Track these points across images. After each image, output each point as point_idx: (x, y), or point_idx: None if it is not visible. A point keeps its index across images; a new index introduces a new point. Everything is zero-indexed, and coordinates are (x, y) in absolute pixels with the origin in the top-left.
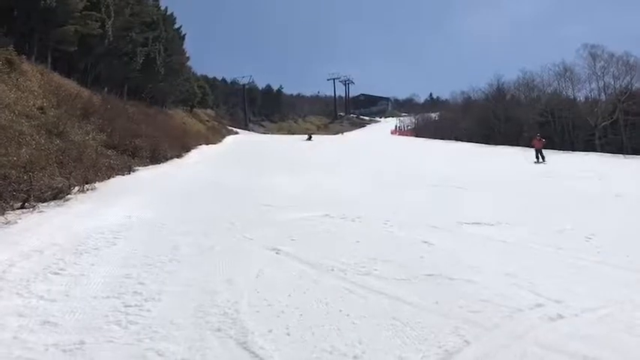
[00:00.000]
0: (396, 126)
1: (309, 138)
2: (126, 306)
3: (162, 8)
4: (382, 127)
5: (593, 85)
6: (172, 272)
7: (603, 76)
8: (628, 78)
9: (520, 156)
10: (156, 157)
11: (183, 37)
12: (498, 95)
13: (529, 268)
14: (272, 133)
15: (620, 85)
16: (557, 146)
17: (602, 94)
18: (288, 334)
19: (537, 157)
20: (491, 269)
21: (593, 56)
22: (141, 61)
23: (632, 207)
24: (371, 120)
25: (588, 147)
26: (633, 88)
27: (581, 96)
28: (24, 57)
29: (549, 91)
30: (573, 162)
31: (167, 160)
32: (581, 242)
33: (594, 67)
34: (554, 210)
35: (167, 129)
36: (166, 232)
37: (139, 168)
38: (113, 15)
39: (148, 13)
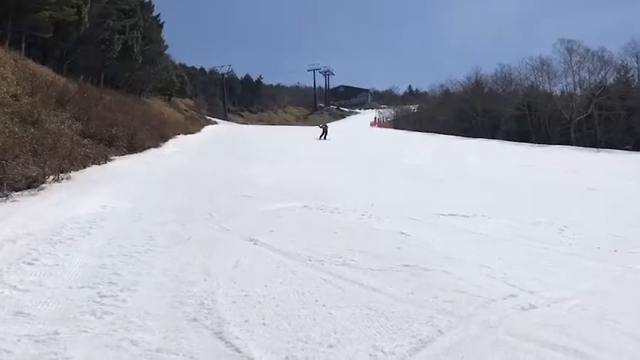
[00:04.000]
0: (375, 118)
1: (324, 133)
2: (101, 296)
3: None
4: (362, 119)
5: (569, 80)
6: (148, 262)
7: (579, 71)
8: (602, 73)
9: (497, 148)
10: (133, 147)
11: (161, 25)
12: (476, 88)
13: (503, 259)
14: (251, 124)
15: (595, 80)
16: (534, 140)
17: (578, 88)
18: (264, 324)
19: None
20: (467, 260)
21: (570, 51)
22: (118, 49)
23: (604, 200)
24: (351, 111)
25: (564, 140)
26: (607, 83)
27: (557, 90)
28: None
29: (526, 85)
30: (549, 155)
31: (145, 149)
32: (554, 234)
33: (570, 62)
34: (529, 202)
35: (145, 118)
36: (143, 222)
37: (116, 157)
38: (90, 1)
39: (126, 1)
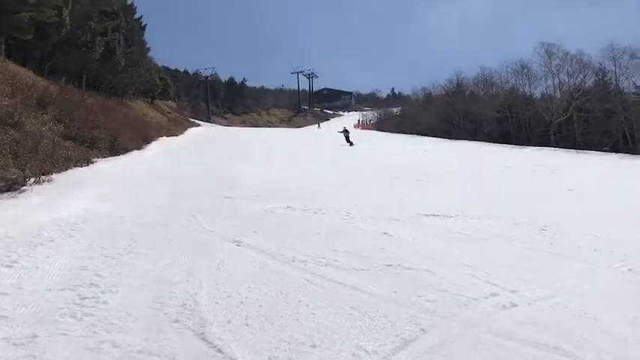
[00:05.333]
0: (358, 120)
1: (348, 139)
2: (82, 298)
3: None
4: (345, 121)
5: (549, 82)
6: (130, 264)
7: (558, 74)
8: (581, 76)
9: (478, 150)
10: (115, 149)
11: (143, 28)
12: (458, 91)
13: (485, 258)
14: (235, 126)
15: (574, 83)
16: (514, 141)
17: (558, 91)
18: (247, 325)
19: None
20: (449, 260)
21: (549, 54)
22: (100, 51)
23: (582, 200)
24: (334, 114)
25: (543, 142)
26: (586, 85)
27: (537, 93)
28: None
29: (507, 88)
30: (529, 156)
31: (127, 151)
32: (535, 234)
33: (550, 65)
34: (510, 203)
35: (127, 120)
36: (125, 224)
37: (98, 160)
38: (71, 3)
39: (108, 2)
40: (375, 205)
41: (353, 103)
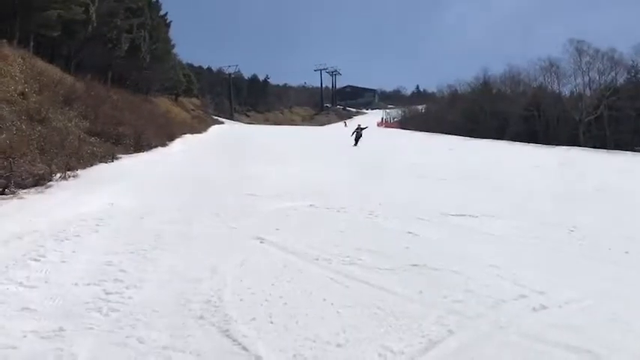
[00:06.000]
0: (382, 118)
1: (357, 138)
2: (107, 293)
3: None
4: (369, 119)
5: (579, 80)
6: (154, 260)
7: (588, 72)
8: (613, 73)
9: (505, 148)
10: (140, 145)
11: (168, 25)
12: (484, 89)
13: (512, 259)
14: (258, 124)
15: (605, 81)
16: (542, 141)
17: (587, 89)
18: (272, 322)
19: None
20: (475, 260)
21: (579, 51)
22: (125, 47)
23: (613, 201)
24: (357, 112)
25: (572, 141)
26: (618, 83)
27: (566, 91)
28: (5, 41)
29: (535, 86)
30: (557, 156)
31: (151, 148)
32: (563, 235)
33: (580, 62)
34: (537, 203)
35: (151, 117)
36: (149, 220)
37: (123, 156)
38: (97, 0)
39: (133, 0)
40: (399, 204)
41: (376, 100)
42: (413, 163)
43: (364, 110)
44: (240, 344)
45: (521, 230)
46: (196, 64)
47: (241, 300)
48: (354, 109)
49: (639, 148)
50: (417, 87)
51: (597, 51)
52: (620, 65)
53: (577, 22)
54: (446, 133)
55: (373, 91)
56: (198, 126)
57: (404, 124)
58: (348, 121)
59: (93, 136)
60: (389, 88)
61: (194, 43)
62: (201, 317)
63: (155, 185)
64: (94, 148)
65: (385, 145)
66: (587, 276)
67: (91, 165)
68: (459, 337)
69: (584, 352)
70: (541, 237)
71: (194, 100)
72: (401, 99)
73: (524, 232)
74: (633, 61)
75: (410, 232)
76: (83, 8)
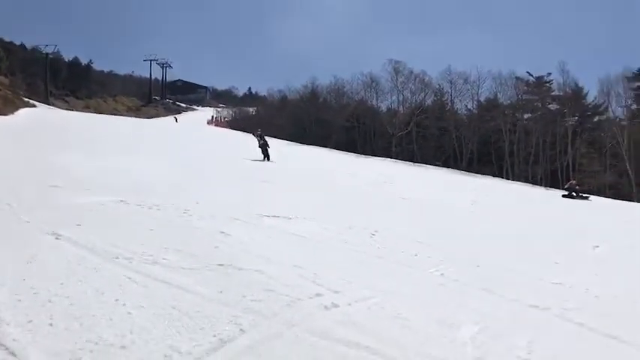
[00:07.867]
0: (212, 117)
1: (265, 152)
2: None
3: None
4: (199, 116)
5: (394, 98)
6: None
7: (403, 90)
8: (422, 94)
9: (326, 156)
10: None
11: None
12: (312, 97)
13: (316, 260)
14: (77, 111)
15: (416, 100)
16: (360, 151)
17: (401, 106)
18: (51, 325)
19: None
20: (281, 260)
21: (396, 71)
22: None
23: (413, 208)
24: (188, 107)
25: (386, 153)
26: (426, 103)
27: (383, 106)
28: None
29: (357, 99)
30: (371, 165)
31: None
32: (366, 238)
33: (396, 81)
34: (348, 207)
35: None
36: None
37: None
38: None
39: None
40: (217, 204)
41: (208, 97)
42: (238, 164)
43: (195, 107)
44: (7, 349)
45: (330, 232)
46: (7, 40)
47: (19, 300)
48: (184, 105)
49: (439, 163)
50: (249, 89)
51: (411, 72)
52: (429, 87)
53: (400, 43)
54: (275, 137)
55: (205, 88)
56: (4, 107)
57: (234, 124)
58: (178, 117)
59: None
60: (222, 86)
61: (6, 15)
62: None
63: None
64: None
65: (213, 145)
66: (379, 276)
67: None
68: (250, 336)
69: (363, 347)
70: (346, 239)
71: (2, 78)
72: (233, 99)
73: (333, 234)
74: (439, 85)
75: (222, 232)
76: None
